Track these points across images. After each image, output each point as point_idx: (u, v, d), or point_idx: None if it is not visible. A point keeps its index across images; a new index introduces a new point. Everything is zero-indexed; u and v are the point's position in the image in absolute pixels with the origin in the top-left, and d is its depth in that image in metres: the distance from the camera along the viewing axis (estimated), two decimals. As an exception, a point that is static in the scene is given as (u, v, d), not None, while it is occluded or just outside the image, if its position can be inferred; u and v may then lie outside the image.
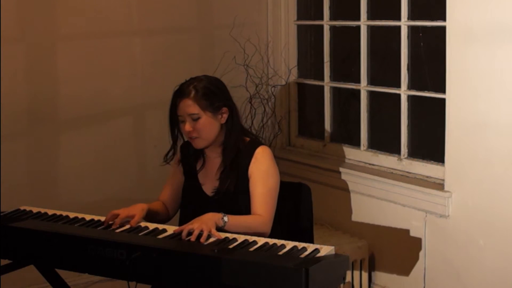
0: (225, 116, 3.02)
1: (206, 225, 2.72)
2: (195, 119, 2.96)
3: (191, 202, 3.07)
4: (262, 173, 2.97)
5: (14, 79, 3.98)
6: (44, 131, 4.10)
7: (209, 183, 3.06)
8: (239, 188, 2.99)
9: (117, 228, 2.84)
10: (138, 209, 2.92)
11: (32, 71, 4.04)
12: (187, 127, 2.97)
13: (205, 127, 2.97)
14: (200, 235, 2.68)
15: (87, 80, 4.18)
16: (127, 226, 2.85)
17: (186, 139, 3.10)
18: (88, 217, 2.97)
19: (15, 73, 3.98)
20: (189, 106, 2.96)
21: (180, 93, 3.00)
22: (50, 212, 3.04)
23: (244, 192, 2.99)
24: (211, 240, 2.68)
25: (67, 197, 4.14)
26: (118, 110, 4.30)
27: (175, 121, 3.05)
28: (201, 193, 3.06)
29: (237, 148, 3.02)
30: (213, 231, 2.71)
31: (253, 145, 3.03)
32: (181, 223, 3.04)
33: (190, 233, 2.70)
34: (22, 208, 3.10)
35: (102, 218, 2.94)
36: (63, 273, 3.03)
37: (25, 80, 4.03)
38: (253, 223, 2.89)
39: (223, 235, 2.73)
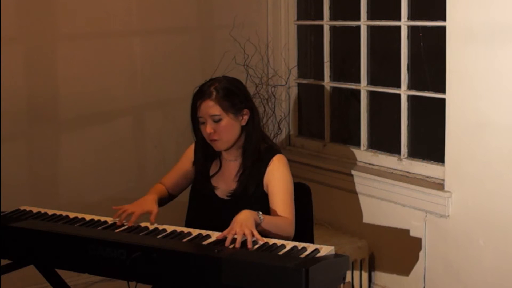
0: (246, 118, 2.98)
1: (247, 227, 2.65)
2: (217, 121, 2.91)
3: (202, 206, 3.04)
4: (281, 177, 2.95)
5: (14, 79, 3.98)
6: (44, 131, 4.11)
7: (223, 186, 3.02)
8: (255, 192, 2.96)
9: (117, 228, 2.84)
10: (151, 203, 2.92)
11: (32, 71, 4.04)
12: (208, 128, 2.92)
13: (227, 129, 2.93)
14: (245, 241, 2.62)
15: (87, 80, 4.18)
16: (126, 226, 2.86)
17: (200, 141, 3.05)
18: (88, 217, 2.97)
19: (15, 73, 3.98)
20: (211, 107, 2.91)
21: (200, 94, 2.94)
22: (50, 212, 3.04)
23: (259, 197, 2.96)
24: (256, 246, 2.62)
25: (67, 197, 4.14)
26: (118, 110, 4.30)
27: (197, 124, 3.00)
28: (213, 196, 3.03)
29: (258, 151, 2.99)
30: (256, 233, 2.65)
31: (271, 152, 3.00)
32: (188, 225, 3.03)
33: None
34: (22, 208, 3.11)
35: (102, 218, 2.94)
36: (63, 273, 3.03)
37: (25, 80, 4.03)
38: (283, 224, 2.85)
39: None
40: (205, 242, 2.66)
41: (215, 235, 2.72)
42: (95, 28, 4.18)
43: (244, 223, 2.67)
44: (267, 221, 2.78)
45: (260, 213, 2.77)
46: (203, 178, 3.07)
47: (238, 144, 3.00)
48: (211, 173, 3.06)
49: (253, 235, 2.64)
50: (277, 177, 2.95)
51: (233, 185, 3.00)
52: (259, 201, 2.95)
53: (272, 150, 3.01)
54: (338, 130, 4.47)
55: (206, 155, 3.06)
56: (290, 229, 2.87)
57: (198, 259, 2.52)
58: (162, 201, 3.09)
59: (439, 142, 3.70)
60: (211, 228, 2.80)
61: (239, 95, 2.99)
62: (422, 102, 3.91)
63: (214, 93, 2.92)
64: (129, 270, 2.58)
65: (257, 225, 2.73)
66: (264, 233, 2.75)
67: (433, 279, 3.75)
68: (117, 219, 2.90)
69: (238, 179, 2.99)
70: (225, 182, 3.03)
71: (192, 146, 3.14)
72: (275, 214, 2.90)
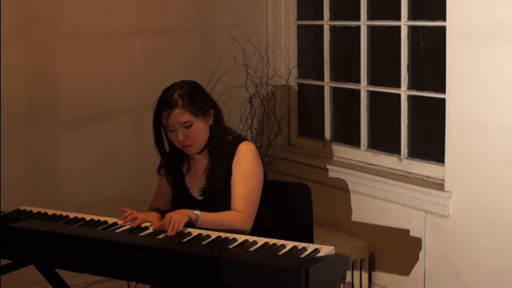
0: (212, 117, 3.01)
1: (181, 215, 2.77)
2: (187, 127, 2.93)
3: (181, 207, 3.05)
4: (244, 171, 2.96)
5: (14, 79, 3.98)
6: (44, 131, 4.10)
7: (196, 184, 3.05)
8: (225, 186, 2.98)
9: (118, 228, 2.85)
10: (155, 217, 2.92)
11: (32, 71, 4.04)
12: (180, 136, 2.93)
13: (198, 132, 2.95)
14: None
15: (87, 80, 4.18)
16: (128, 226, 2.86)
17: (168, 149, 3.07)
18: (88, 217, 2.97)
19: (15, 73, 3.98)
20: (180, 115, 2.91)
21: (166, 104, 2.94)
22: (50, 212, 3.04)
23: (230, 190, 2.98)
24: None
25: (67, 197, 4.14)
26: (118, 110, 4.30)
27: (159, 134, 3.02)
28: (189, 196, 3.05)
29: (223, 146, 3.00)
30: (181, 224, 2.75)
31: (236, 142, 3.01)
32: None
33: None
34: (22, 208, 3.10)
35: (102, 218, 2.94)
36: (63, 273, 3.03)
37: (25, 80, 4.03)
38: (229, 220, 2.88)
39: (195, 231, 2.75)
40: (205, 242, 2.67)
41: (214, 235, 2.73)
42: (95, 28, 4.18)
43: (175, 215, 2.78)
44: (205, 219, 2.84)
45: (197, 211, 2.82)
46: (177, 181, 3.10)
47: (206, 143, 3.02)
48: (183, 173, 3.09)
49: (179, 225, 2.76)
50: (240, 169, 2.96)
51: (202, 182, 3.02)
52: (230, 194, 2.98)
53: (237, 140, 3.03)
54: (338, 130, 4.47)
55: (176, 160, 3.08)
56: (241, 225, 2.88)
57: (198, 259, 2.52)
58: None
59: (439, 142, 3.70)
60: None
61: (203, 96, 3.01)
62: (422, 102, 3.91)
63: (180, 100, 2.93)
64: (129, 270, 2.58)
65: (194, 222, 2.81)
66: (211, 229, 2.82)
67: (433, 279, 3.75)
68: (122, 220, 2.89)
69: (206, 175, 3.01)
70: (196, 180, 3.05)
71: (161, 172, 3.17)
72: (232, 208, 2.93)
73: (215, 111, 3.02)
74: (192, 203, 3.00)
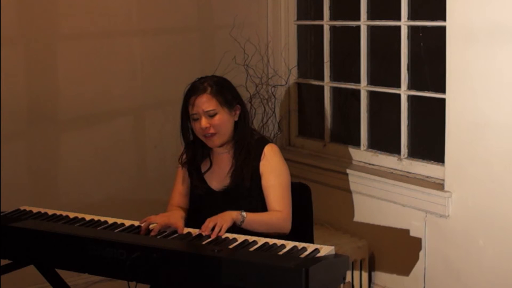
0: (238, 113, 3.02)
1: (223, 219, 2.75)
2: (212, 115, 2.94)
3: (202, 204, 3.04)
4: (274, 169, 2.98)
5: (14, 79, 3.98)
6: (44, 131, 4.10)
7: (217, 182, 3.04)
8: (250, 186, 2.98)
9: (118, 228, 2.84)
10: (177, 219, 2.86)
11: (32, 71, 4.04)
12: (203, 123, 2.94)
13: (222, 122, 2.96)
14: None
15: (87, 80, 4.18)
16: (126, 226, 2.85)
17: (191, 138, 3.06)
18: (88, 217, 2.97)
19: (15, 73, 3.98)
20: (206, 102, 2.94)
21: (194, 91, 2.97)
22: (50, 212, 3.04)
23: (254, 191, 2.98)
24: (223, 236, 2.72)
25: (67, 197, 4.14)
26: (118, 110, 4.30)
27: (186, 122, 3.02)
28: (211, 192, 3.04)
29: (249, 146, 3.01)
30: (224, 228, 2.73)
31: (261, 144, 3.03)
32: (189, 220, 3.03)
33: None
34: (22, 208, 3.11)
35: (102, 218, 2.94)
36: (63, 273, 3.03)
37: (25, 80, 4.03)
38: (274, 220, 2.89)
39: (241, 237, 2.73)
40: (205, 242, 2.67)
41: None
42: (95, 28, 4.18)
43: (220, 216, 2.77)
44: (252, 219, 2.83)
45: (243, 212, 2.82)
46: (196, 176, 3.08)
47: (229, 139, 3.02)
48: (202, 170, 3.08)
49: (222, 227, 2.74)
50: (270, 171, 2.98)
51: (226, 181, 3.02)
52: (255, 195, 2.98)
53: (262, 141, 3.04)
54: (338, 130, 4.47)
55: (198, 153, 3.07)
56: (284, 224, 2.91)
57: (198, 259, 2.52)
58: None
59: (439, 142, 3.70)
60: None
61: (231, 90, 3.04)
62: (422, 102, 3.91)
63: (209, 88, 2.96)
64: (129, 270, 2.58)
65: (240, 224, 2.80)
66: (256, 232, 2.79)
67: (433, 279, 3.75)
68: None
69: (231, 174, 3.01)
70: (218, 177, 3.05)
71: (180, 163, 3.14)
72: (270, 209, 2.93)
73: (242, 108, 3.04)
74: (213, 199, 3.00)
